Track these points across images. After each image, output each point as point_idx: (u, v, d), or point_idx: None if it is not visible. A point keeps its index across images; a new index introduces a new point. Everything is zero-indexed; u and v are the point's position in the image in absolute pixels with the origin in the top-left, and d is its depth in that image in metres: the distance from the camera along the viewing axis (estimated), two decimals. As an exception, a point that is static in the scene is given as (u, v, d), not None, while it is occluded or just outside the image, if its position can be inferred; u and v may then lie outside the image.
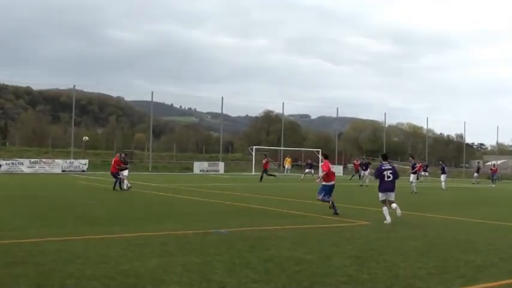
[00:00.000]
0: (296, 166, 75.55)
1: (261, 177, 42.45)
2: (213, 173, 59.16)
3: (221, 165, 62.06)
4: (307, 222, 15.72)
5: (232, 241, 11.54)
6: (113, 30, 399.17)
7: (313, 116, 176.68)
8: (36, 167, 50.20)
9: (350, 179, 49.91)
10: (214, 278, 7.90)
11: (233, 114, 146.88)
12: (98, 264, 8.62)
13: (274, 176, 46.98)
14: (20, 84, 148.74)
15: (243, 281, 7.79)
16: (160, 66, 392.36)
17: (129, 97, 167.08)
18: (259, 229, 13.74)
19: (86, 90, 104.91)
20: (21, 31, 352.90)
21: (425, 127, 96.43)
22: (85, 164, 53.09)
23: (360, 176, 46.33)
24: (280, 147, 70.34)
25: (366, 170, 42.72)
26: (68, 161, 52.53)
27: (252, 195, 26.12)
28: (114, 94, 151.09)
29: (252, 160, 62.86)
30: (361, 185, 40.49)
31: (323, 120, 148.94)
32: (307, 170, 51.46)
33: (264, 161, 45.24)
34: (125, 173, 28.26)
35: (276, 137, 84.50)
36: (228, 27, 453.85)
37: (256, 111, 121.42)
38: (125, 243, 10.81)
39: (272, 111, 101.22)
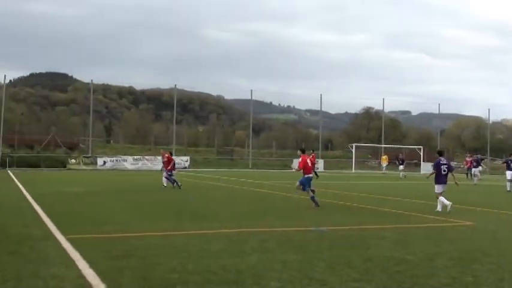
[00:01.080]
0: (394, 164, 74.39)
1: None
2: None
3: (321, 163, 61.91)
4: (408, 222, 15.43)
5: (333, 239, 11.49)
6: (211, 30, 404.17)
7: (414, 113, 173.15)
8: (139, 164, 51.90)
9: (467, 177, 47.99)
10: (314, 275, 7.89)
11: (332, 111, 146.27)
12: (200, 259, 8.79)
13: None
14: (123, 84, 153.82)
15: (344, 279, 7.75)
16: (258, 64, 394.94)
17: (228, 96, 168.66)
18: (360, 228, 13.61)
19: (186, 89, 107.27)
20: (122, 33, 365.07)
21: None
22: (187, 161, 54.35)
23: (471, 174, 44.62)
24: (380, 144, 69.42)
25: (477, 167, 41.03)
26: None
27: (350, 193, 25.92)
28: (214, 93, 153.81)
29: (352, 157, 62.37)
30: (475, 184, 38.99)
31: (424, 117, 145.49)
32: (401, 167, 50.67)
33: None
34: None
35: (376, 134, 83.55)
36: (324, 23, 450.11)
37: (355, 108, 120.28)
38: (225, 239, 10.98)
39: (372, 108, 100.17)
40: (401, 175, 48.25)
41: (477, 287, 7.64)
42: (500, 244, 11.79)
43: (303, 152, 20.02)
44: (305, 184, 19.14)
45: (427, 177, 19.90)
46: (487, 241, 12.23)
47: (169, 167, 27.20)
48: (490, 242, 12.04)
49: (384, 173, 57.16)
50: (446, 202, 17.75)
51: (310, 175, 19.79)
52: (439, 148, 23.11)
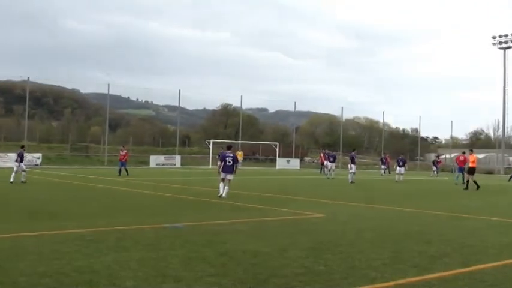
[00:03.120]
0: (254, 160, 75.80)
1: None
2: (170, 166, 58.84)
3: (178, 159, 61.77)
4: (263, 215, 15.74)
5: (188, 235, 11.47)
6: (70, 21, 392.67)
7: (271, 110, 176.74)
8: (-13, 161, 49.24)
9: (320, 173, 50.14)
10: (169, 272, 7.83)
11: (190, 107, 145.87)
12: (51, 261, 8.45)
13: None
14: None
15: (199, 275, 7.74)
16: (117, 58, 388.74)
17: (85, 89, 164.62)
18: (215, 223, 13.71)
19: (40, 82, 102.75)
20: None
21: (381, 121, 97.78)
22: (38, 158, 52.23)
23: (323, 169, 46.75)
24: (238, 140, 70.33)
25: (333, 162, 43.18)
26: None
27: (207, 189, 26.05)
28: (69, 86, 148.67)
29: (209, 154, 62.72)
30: (328, 178, 40.97)
31: (281, 114, 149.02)
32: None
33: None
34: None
35: (234, 130, 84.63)
36: (186, 19, 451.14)
37: (214, 104, 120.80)
38: (79, 239, 10.64)
39: (230, 105, 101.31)
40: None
41: (329, 275, 7.90)
42: (350, 234, 12.30)
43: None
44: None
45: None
46: (338, 232, 12.73)
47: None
48: (341, 233, 12.54)
49: (239, 169, 57.87)
50: (221, 190, 21.01)
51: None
52: (228, 144, 25.08)
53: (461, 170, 37.62)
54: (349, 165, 37.23)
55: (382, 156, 60.72)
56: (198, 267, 8.20)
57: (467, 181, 31.38)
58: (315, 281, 7.53)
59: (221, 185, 21.32)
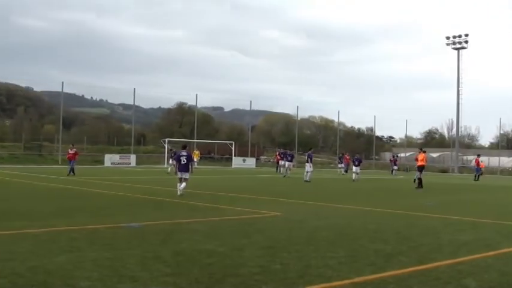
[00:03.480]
0: (209, 159, 75.63)
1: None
2: (125, 165, 58.34)
3: (133, 158, 61.33)
4: (219, 215, 15.72)
5: (144, 235, 11.41)
6: (22, 18, 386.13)
7: (227, 109, 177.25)
8: None
9: (276, 172, 50.27)
10: (125, 272, 7.77)
11: (146, 105, 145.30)
12: (4, 262, 8.29)
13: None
14: None
15: (154, 274, 7.70)
16: (72, 56, 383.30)
17: (38, 87, 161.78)
18: (171, 222, 13.66)
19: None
20: None
21: (336, 120, 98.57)
22: (-10, 157, 51.29)
23: (279, 168, 46.93)
24: (193, 139, 70.08)
25: (290, 161, 43.51)
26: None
27: (163, 188, 25.91)
28: (22, 84, 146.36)
29: (164, 152, 62.37)
30: (284, 176, 41.22)
31: (237, 113, 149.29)
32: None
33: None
34: None
35: (189, 129, 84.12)
36: (142, 17, 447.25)
37: (169, 103, 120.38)
38: (33, 239, 10.49)
39: (185, 103, 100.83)
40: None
41: (285, 274, 7.93)
42: (307, 233, 12.37)
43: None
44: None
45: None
46: (295, 230, 12.79)
47: None
48: (297, 231, 12.60)
49: (196, 168, 57.69)
50: (179, 188, 21.53)
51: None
52: (184, 143, 25.85)
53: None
54: (306, 164, 37.52)
55: (340, 155, 61.28)
56: (153, 267, 8.16)
57: (420, 179, 31.97)
58: (271, 280, 7.55)
59: (179, 184, 21.64)
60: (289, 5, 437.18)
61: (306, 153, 40.58)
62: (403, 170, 66.31)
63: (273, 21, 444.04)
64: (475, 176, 50.03)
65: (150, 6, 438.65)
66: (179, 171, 21.88)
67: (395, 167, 57.51)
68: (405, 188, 33.14)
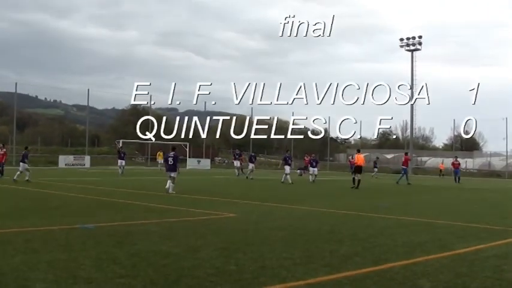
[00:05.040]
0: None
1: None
2: (79, 166, 57.65)
3: (87, 159, 60.62)
4: (174, 216, 15.66)
5: (99, 236, 11.27)
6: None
7: (181, 110, 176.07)
8: None
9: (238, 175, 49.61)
10: (80, 274, 7.67)
11: (100, 106, 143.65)
12: (-46, 264, 8.15)
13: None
14: None
15: (109, 276, 7.63)
16: (26, 56, 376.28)
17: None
18: (126, 224, 13.55)
19: None
20: None
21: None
22: None
23: (241, 169, 46.70)
24: (147, 140, 69.57)
25: (253, 162, 43.54)
26: None
27: (117, 189, 25.69)
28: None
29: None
30: (247, 177, 41.27)
31: (191, 114, 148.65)
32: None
33: None
34: None
35: (143, 130, 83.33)
36: (97, 18, 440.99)
37: (124, 104, 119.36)
38: (-16, 241, 10.31)
39: (139, 104, 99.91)
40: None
41: (240, 275, 7.94)
42: (262, 233, 12.42)
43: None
44: None
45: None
46: (250, 231, 12.81)
47: None
48: (253, 232, 12.63)
49: (161, 169, 57.42)
50: (167, 186, 23.86)
51: None
52: (172, 145, 26.96)
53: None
54: (284, 167, 37.76)
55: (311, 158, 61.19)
56: (108, 268, 8.09)
57: (359, 180, 32.67)
58: (226, 281, 7.55)
59: (168, 182, 23.98)
60: (245, 6, 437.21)
61: (283, 156, 41.41)
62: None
63: (228, 23, 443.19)
64: (456, 179, 48.94)
65: (103, 7, 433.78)
66: (167, 170, 24.52)
67: (376, 169, 57.57)
68: (360, 189, 33.46)
